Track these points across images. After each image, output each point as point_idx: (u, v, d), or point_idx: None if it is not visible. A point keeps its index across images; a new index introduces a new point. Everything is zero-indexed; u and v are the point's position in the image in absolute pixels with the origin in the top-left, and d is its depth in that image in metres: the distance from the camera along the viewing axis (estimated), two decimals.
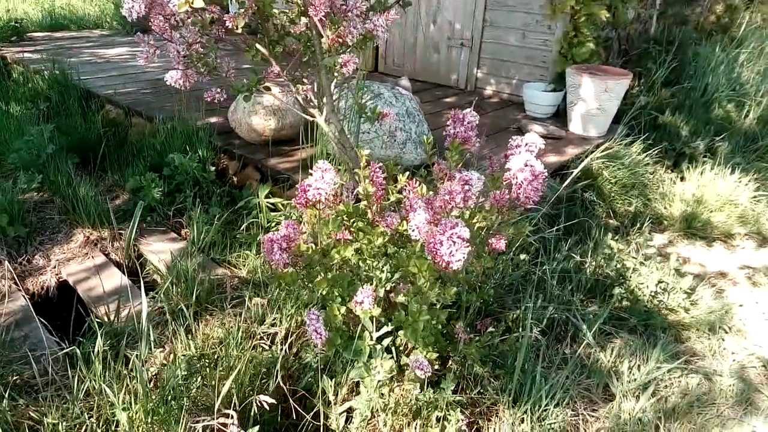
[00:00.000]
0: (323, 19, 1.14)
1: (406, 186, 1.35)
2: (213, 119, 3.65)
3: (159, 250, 2.58)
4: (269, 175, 3.03)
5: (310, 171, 1.28)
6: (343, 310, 1.44)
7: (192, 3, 1.11)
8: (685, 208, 3.27)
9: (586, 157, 3.52)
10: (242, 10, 1.21)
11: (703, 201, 3.30)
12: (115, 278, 2.38)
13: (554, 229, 2.49)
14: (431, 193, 1.40)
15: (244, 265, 2.48)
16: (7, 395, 1.64)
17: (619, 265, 2.46)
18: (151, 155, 3.35)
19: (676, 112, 3.87)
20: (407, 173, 1.36)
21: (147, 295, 2.14)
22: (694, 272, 2.91)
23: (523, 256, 2.15)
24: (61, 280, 2.44)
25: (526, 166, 1.26)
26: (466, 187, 1.17)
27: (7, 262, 2.43)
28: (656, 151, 3.67)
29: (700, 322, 2.37)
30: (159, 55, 1.47)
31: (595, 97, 3.59)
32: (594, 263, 2.53)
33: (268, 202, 2.60)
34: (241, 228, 2.64)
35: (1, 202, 2.59)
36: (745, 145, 3.84)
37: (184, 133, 3.34)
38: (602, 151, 3.45)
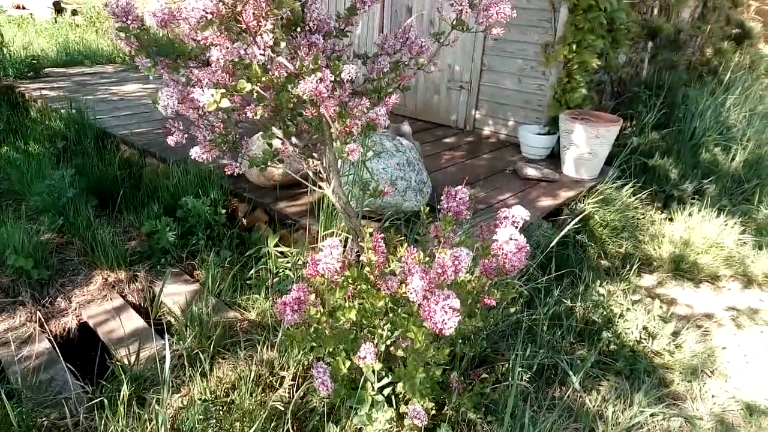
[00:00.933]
0: (332, 114, 1.32)
1: (405, 254, 1.51)
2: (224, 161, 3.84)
3: (173, 293, 2.74)
4: (277, 219, 3.20)
5: (317, 239, 1.43)
6: (348, 364, 1.59)
7: (219, 102, 1.29)
8: (673, 249, 3.43)
9: (579, 200, 3.70)
10: (262, 104, 1.39)
11: (690, 243, 3.46)
12: (133, 321, 2.54)
13: (544, 278, 2.64)
14: (428, 258, 1.56)
15: (254, 308, 2.64)
16: None
17: (606, 311, 2.61)
18: (164, 197, 3.53)
19: (665, 155, 4.05)
20: (405, 245, 1.53)
21: (163, 337, 2.30)
22: (681, 313, 3.06)
23: (512, 309, 2.30)
24: (81, 321, 2.59)
25: (511, 239, 1.42)
26: (457, 262, 1.33)
27: (31, 305, 2.59)
28: (646, 194, 3.84)
29: (683, 365, 2.50)
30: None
31: (587, 143, 3.77)
32: (584, 307, 2.68)
33: (276, 251, 2.76)
34: (251, 273, 2.80)
35: (25, 247, 2.76)
36: (732, 187, 4.01)
37: (197, 175, 3.52)
38: (594, 196, 3.63)
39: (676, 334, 2.67)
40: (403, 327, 1.47)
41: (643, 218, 3.79)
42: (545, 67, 4.28)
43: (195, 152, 1.59)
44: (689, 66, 5.69)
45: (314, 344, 1.57)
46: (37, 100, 5.28)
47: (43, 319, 2.51)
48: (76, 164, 3.94)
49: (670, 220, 3.88)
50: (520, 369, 2.03)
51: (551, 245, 2.64)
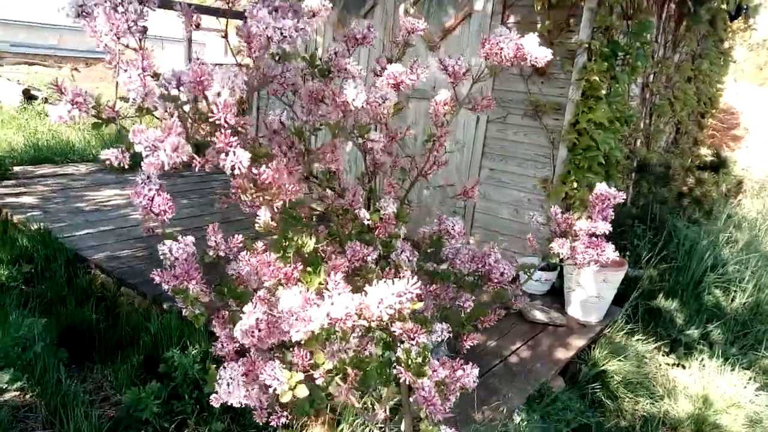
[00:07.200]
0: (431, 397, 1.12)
1: None
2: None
3: None
4: None
5: None
6: None
7: (294, 390, 1.07)
8: (692, 408, 3.26)
9: (590, 347, 3.54)
10: (344, 381, 1.17)
11: (708, 401, 3.31)
12: None
13: None
14: None
15: None
16: None
17: None
18: (145, 341, 3.18)
19: (669, 297, 3.99)
20: None
21: None
22: None
23: None
24: None
25: None
26: None
27: None
28: (653, 339, 3.73)
29: None
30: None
31: (595, 287, 3.67)
32: None
33: None
34: None
35: None
36: (736, 330, 3.95)
37: (182, 318, 3.20)
38: (606, 345, 3.48)
39: None
40: None
41: (651, 362, 3.65)
42: (545, 201, 4.26)
43: (235, 399, 1.33)
44: (670, 192, 5.85)
45: None
46: (1, 209, 4.90)
47: None
48: (44, 299, 3.56)
49: (677, 365, 3.76)
50: None
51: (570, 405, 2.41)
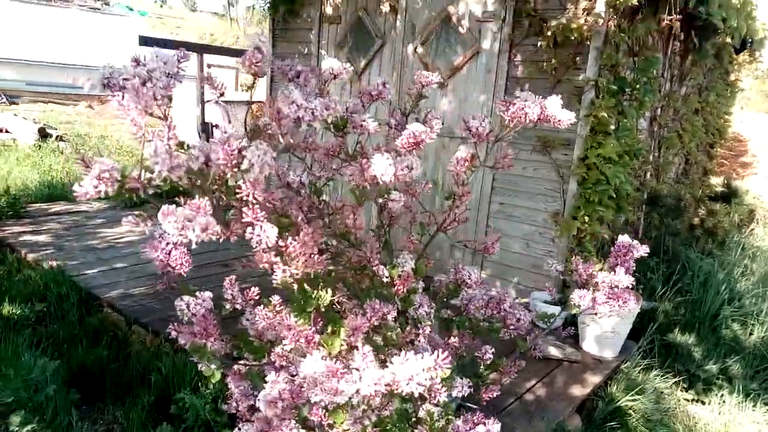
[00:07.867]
0: None
1: None
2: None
3: None
4: None
5: None
6: None
7: None
8: None
9: (606, 383, 3.48)
10: None
11: None
12: None
13: None
14: None
15: None
16: None
17: None
18: (156, 380, 3.16)
19: (685, 331, 3.93)
20: None
21: None
22: None
23: None
24: None
25: None
26: None
27: None
28: (671, 374, 3.66)
29: None
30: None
31: (609, 321, 3.62)
32: None
33: None
34: None
35: None
36: (757, 366, 3.87)
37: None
38: (622, 381, 3.42)
39: None
40: None
41: (672, 400, 3.57)
42: (556, 235, 4.25)
43: None
44: (683, 223, 5.81)
45: None
46: (15, 248, 4.95)
47: None
48: (56, 339, 3.57)
49: (697, 401, 3.68)
50: None
51: None
